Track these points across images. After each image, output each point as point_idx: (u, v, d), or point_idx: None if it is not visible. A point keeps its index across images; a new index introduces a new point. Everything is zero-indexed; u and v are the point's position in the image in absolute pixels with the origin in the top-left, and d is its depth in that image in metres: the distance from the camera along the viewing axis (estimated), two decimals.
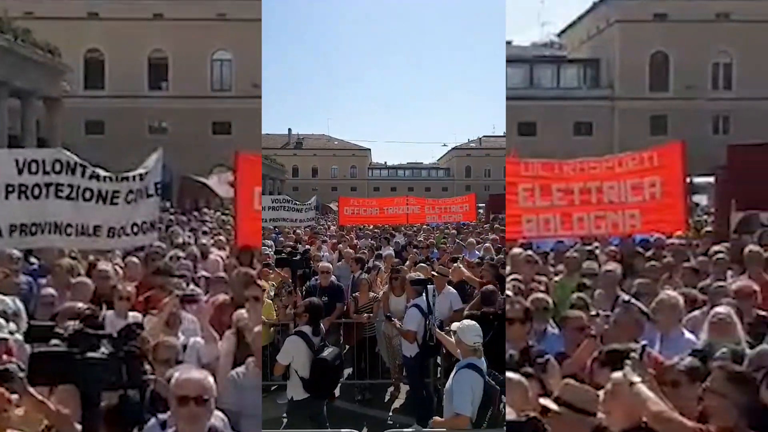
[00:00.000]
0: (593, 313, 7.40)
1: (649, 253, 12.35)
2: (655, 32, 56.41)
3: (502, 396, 7.01)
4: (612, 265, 10.43)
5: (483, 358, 7.17)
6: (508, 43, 64.83)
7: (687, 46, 55.60)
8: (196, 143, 52.35)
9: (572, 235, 12.17)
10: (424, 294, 10.20)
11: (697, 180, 26.31)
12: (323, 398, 8.82)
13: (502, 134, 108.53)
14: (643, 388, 4.49)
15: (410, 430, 9.83)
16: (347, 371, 12.56)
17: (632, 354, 4.83)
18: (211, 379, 4.70)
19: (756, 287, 8.47)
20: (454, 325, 7.59)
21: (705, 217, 22.93)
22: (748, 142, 17.49)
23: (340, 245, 20.36)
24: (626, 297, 7.71)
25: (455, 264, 12.97)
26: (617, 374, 4.68)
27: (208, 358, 7.28)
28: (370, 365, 12.42)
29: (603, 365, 5.50)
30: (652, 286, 8.94)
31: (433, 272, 12.02)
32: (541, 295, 8.50)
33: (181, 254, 12.97)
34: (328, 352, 8.44)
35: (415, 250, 18.38)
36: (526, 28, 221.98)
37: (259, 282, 9.52)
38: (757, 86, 54.98)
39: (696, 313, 8.12)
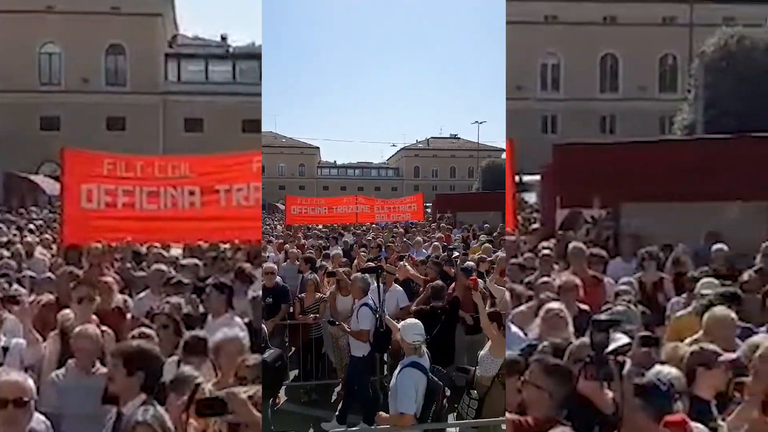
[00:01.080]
0: None
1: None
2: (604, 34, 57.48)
3: (446, 392, 7.10)
4: None
5: (426, 356, 7.26)
6: None
7: (518, 48, 56.17)
8: (23, 139, 51.76)
9: None
10: (369, 291, 10.33)
11: (527, 178, 26.93)
12: (265, 400, 8.76)
13: (448, 136, 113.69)
14: None
15: (356, 428, 9.85)
16: (293, 373, 12.59)
17: None
18: (30, 381, 4.62)
19: (578, 282, 8.84)
20: (399, 324, 7.67)
21: (534, 214, 23.55)
22: (573, 141, 17.80)
23: (287, 245, 20.30)
24: None
25: (401, 262, 13.08)
26: None
27: (31, 360, 7.06)
28: (316, 366, 12.41)
29: None
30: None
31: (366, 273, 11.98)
32: None
33: (6, 253, 12.80)
34: (268, 353, 8.37)
35: (363, 249, 18.38)
36: None
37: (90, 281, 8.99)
38: (582, 87, 57.00)
39: (522, 307, 8.49)
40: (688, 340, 6.40)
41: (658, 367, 5.17)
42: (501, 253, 14.98)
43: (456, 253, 16.65)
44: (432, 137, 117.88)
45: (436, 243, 18.63)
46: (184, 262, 11.88)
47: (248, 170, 12.17)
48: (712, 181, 12.23)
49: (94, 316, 7.80)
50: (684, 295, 9.08)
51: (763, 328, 7.41)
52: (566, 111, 58.56)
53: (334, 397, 12.28)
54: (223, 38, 65.37)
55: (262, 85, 71.97)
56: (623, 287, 9.01)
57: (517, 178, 22.21)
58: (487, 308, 10.92)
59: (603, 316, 5.17)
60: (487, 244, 17.70)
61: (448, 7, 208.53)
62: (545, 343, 6.16)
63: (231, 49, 63.43)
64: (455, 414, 8.68)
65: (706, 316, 6.86)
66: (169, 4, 61.67)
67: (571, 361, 5.45)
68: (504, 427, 8.16)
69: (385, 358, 11.23)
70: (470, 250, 19.22)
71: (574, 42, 58.30)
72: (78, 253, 11.83)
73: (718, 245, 10.84)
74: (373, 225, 29.26)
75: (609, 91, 62.06)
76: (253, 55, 60.99)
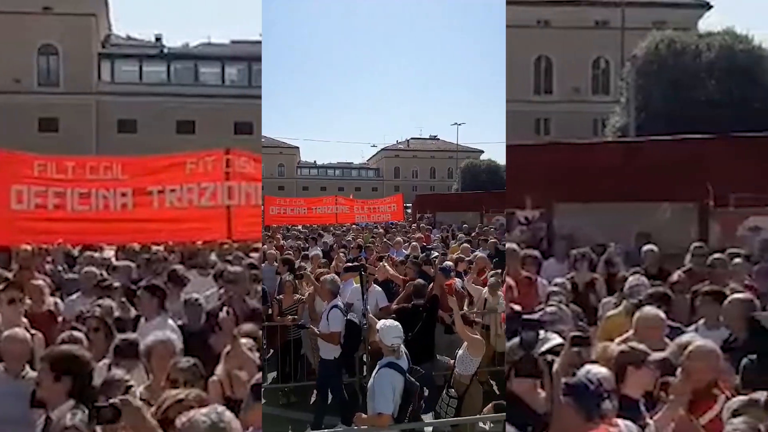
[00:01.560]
0: None
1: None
2: None
3: (424, 392, 7.16)
4: None
5: (404, 356, 7.29)
6: None
7: None
8: None
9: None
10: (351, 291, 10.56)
11: None
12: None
13: (428, 137, 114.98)
14: None
15: (334, 430, 9.85)
16: (271, 375, 12.62)
17: None
18: None
19: (512, 283, 9.17)
20: (378, 324, 7.69)
21: None
22: (508, 143, 18.12)
23: (265, 246, 20.18)
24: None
25: (381, 263, 13.32)
26: None
27: None
28: (295, 368, 12.38)
29: None
30: None
31: (349, 271, 12.13)
32: None
33: None
34: None
35: (342, 250, 18.34)
36: None
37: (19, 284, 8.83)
38: (517, 89, 57.93)
39: None
40: (617, 340, 6.49)
41: (587, 367, 5.23)
42: (479, 253, 15.39)
43: (435, 253, 16.74)
44: (412, 138, 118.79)
45: (414, 243, 18.71)
46: (116, 264, 11.74)
47: (182, 172, 12.06)
48: (642, 183, 12.43)
49: (24, 319, 7.68)
50: (615, 295, 9.22)
51: (691, 328, 7.55)
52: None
53: (313, 399, 12.19)
54: (158, 39, 64.79)
55: (262, 87, 71.64)
56: (555, 288, 9.11)
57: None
58: (465, 307, 11.07)
59: (534, 317, 5.22)
60: (465, 244, 18.01)
61: (428, 9, 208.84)
62: None
63: (165, 50, 62.81)
64: (433, 413, 8.76)
65: (635, 316, 6.97)
66: (102, 4, 60.81)
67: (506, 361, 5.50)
68: (483, 424, 8.27)
69: (364, 358, 11.23)
70: (449, 249, 19.38)
71: (509, 45, 58.80)
72: (7, 256, 11.63)
73: (649, 246, 10.99)
74: (353, 226, 29.18)
75: (543, 94, 62.77)
76: (187, 55, 60.52)
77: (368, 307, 10.34)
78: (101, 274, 10.17)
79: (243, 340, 6.52)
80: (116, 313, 8.28)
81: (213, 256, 12.97)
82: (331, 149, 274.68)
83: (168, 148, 16.74)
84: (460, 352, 8.79)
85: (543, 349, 5.01)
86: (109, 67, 59.87)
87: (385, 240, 20.91)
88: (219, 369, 6.31)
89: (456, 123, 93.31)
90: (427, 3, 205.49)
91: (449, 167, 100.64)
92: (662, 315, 6.94)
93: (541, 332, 5.53)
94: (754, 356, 5.19)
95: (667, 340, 6.58)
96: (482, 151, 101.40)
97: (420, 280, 11.27)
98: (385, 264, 13.24)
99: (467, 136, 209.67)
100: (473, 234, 23.12)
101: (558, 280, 9.78)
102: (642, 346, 5.72)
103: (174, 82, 59.76)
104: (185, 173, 12.13)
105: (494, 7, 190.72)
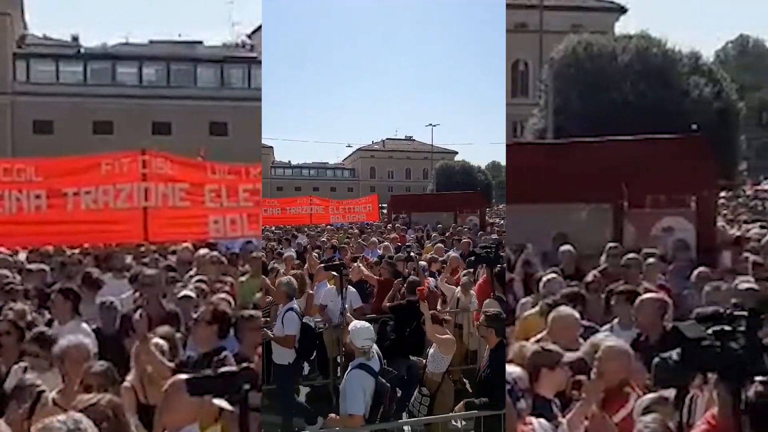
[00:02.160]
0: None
1: None
2: None
3: (396, 393, 7.19)
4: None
5: (376, 357, 7.28)
6: (199, 42, 64.66)
7: None
8: None
9: (257, 236, 12.44)
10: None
11: None
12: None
13: (404, 137, 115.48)
14: None
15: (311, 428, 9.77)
16: None
17: None
18: None
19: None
20: (350, 326, 7.73)
21: None
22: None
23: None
24: None
25: (355, 263, 13.29)
26: None
27: None
28: (267, 370, 12.24)
29: None
30: None
31: (329, 271, 12.05)
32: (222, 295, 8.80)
33: None
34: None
35: (316, 251, 18.13)
36: (217, 28, 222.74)
37: None
38: None
39: None
40: (532, 340, 6.56)
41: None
42: (452, 253, 15.65)
43: (412, 253, 16.65)
44: (387, 138, 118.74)
45: (386, 244, 18.82)
46: (29, 267, 11.54)
47: (97, 173, 11.85)
48: (560, 184, 12.58)
49: None
50: (532, 296, 9.33)
51: (606, 327, 7.67)
52: None
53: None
54: (74, 38, 63.63)
55: (262, 89, 71.13)
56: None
57: None
58: (438, 306, 11.08)
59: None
60: (439, 244, 18.13)
61: (404, 10, 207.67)
62: None
63: (82, 50, 61.70)
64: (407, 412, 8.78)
65: (550, 316, 7.05)
66: (17, 3, 59.60)
67: None
68: (455, 422, 8.29)
69: (338, 360, 11.16)
70: (424, 250, 19.52)
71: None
72: None
73: (566, 246, 11.14)
74: (328, 226, 28.84)
75: None
76: (104, 55, 59.60)
77: (338, 309, 10.39)
78: (14, 277, 9.99)
79: (159, 341, 6.46)
80: (29, 317, 8.11)
81: (129, 259, 12.79)
82: (306, 149, 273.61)
83: (85, 149, 16.44)
84: (432, 350, 8.84)
85: None
86: (24, 67, 58.56)
87: (359, 241, 20.84)
88: (131, 374, 6.22)
89: (431, 124, 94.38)
90: (403, 4, 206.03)
91: (424, 168, 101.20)
92: (576, 315, 7.05)
93: None
94: (665, 355, 5.28)
95: (581, 339, 6.67)
96: (456, 152, 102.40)
97: (415, 277, 11.40)
98: (359, 264, 13.18)
99: (442, 138, 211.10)
100: (447, 234, 23.48)
101: None
102: (555, 347, 5.79)
103: (91, 82, 58.71)
104: (101, 174, 11.91)
105: (470, 9, 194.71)
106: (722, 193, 33.84)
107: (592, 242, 11.70)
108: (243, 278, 11.39)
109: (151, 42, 63.22)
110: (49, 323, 8.36)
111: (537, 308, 8.34)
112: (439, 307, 11.42)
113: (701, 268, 9.54)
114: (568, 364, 5.60)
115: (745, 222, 22.99)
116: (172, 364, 6.27)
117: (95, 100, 56.00)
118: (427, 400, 8.37)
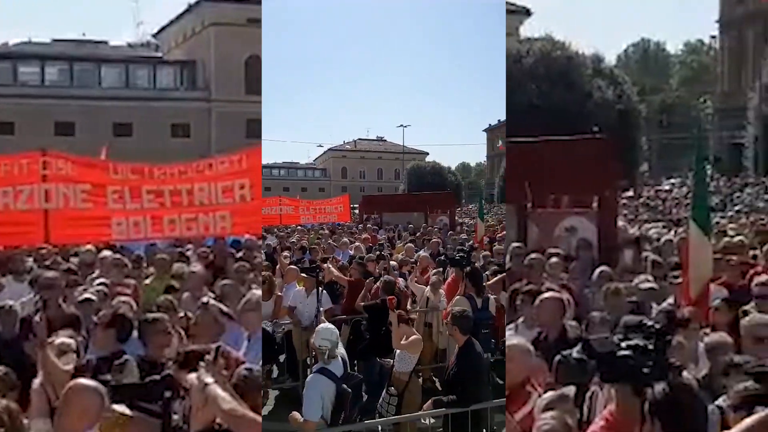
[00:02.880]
0: (180, 315, 7.80)
1: (239, 254, 12.53)
2: (249, 36, 56.46)
3: (361, 397, 7.31)
4: (197, 267, 10.88)
5: (339, 360, 7.22)
6: (104, 42, 64.15)
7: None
8: None
9: (163, 238, 12.29)
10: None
11: None
12: None
13: (375, 138, 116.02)
14: (216, 389, 4.55)
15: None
16: None
17: (206, 356, 4.91)
18: None
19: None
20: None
21: None
22: None
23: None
24: (206, 299, 8.01)
25: (325, 264, 13.27)
26: (191, 376, 4.75)
27: None
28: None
29: (181, 367, 5.44)
30: (236, 287, 9.20)
31: (302, 273, 12.09)
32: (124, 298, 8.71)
33: None
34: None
35: (286, 252, 17.82)
36: (122, 27, 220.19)
37: None
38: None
39: None
40: None
41: None
42: (423, 253, 15.77)
43: (383, 253, 16.60)
44: (359, 138, 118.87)
45: (357, 244, 18.60)
46: None
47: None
48: None
49: None
50: None
51: (511, 326, 7.81)
52: None
53: None
54: None
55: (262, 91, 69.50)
56: None
57: None
58: (408, 305, 11.04)
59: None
60: (409, 245, 18.29)
61: (375, 10, 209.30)
62: None
63: None
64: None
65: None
66: None
67: None
68: (424, 420, 8.26)
69: (309, 361, 11.08)
70: (395, 250, 19.57)
71: (218, 44, 58.33)
72: None
73: None
74: (298, 227, 28.52)
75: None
76: (6, 55, 58.17)
77: (306, 310, 10.55)
78: None
79: (66, 341, 6.37)
80: None
81: (30, 262, 12.50)
82: (276, 149, 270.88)
83: None
84: (399, 350, 8.80)
85: None
86: None
87: (330, 242, 20.57)
88: (39, 376, 6.11)
89: (402, 125, 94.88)
90: (376, 5, 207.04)
91: (396, 168, 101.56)
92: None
93: None
94: (566, 353, 5.39)
95: None
96: (427, 153, 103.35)
97: (389, 276, 11.41)
98: (329, 265, 13.17)
99: (413, 138, 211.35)
100: (418, 234, 23.58)
101: None
102: None
103: None
104: (1, 176, 11.65)
105: (445, 8, 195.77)
106: (625, 194, 34.66)
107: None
108: (147, 281, 11.20)
109: (55, 41, 61.93)
110: None
111: None
112: (409, 306, 11.48)
113: (602, 268, 9.72)
114: None
115: (646, 222, 23.60)
116: (69, 368, 6.16)
117: None
118: (395, 399, 8.37)
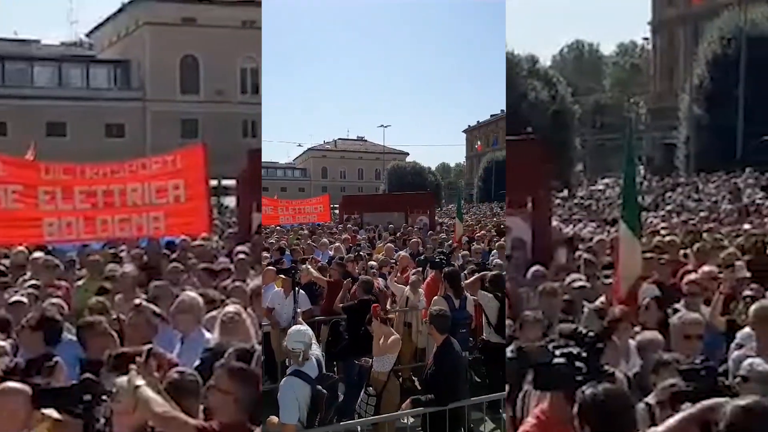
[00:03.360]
0: (114, 316, 7.62)
1: (173, 255, 12.22)
2: (184, 36, 56.82)
3: (337, 398, 7.54)
4: (129, 268, 10.65)
5: (313, 362, 7.16)
6: (36, 41, 62.89)
7: (215, 51, 56.73)
8: None
9: (96, 239, 12.19)
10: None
11: (226, 182, 27.38)
12: None
13: (355, 138, 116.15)
14: (147, 391, 4.49)
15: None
16: None
17: (137, 358, 4.86)
18: None
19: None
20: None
21: (234, 218, 23.77)
22: None
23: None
24: (138, 300, 7.81)
25: (303, 265, 13.09)
26: (121, 378, 4.65)
27: None
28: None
29: (111, 369, 5.30)
30: (170, 289, 9.00)
31: (281, 275, 11.90)
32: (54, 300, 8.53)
33: None
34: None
35: (264, 253, 17.48)
36: (55, 26, 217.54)
37: None
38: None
39: (214, 312, 8.36)
40: None
41: None
42: (403, 253, 15.74)
43: (362, 252, 16.56)
44: (339, 138, 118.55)
45: (337, 245, 18.43)
46: None
47: None
48: None
49: None
50: None
51: None
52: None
53: None
54: None
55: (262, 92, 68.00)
56: None
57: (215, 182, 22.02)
58: (388, 305, 11.00)
59: None
60: (389, 245, 18.22)
61: (356, 11, 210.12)
62: (230, 348, 6.09)
63: None
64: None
65: None
66: None
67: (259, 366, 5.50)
68: (403, 420, 8.23)
69: (287, 363, 10.99)
70: (375, 250, 19.45)
71: (153, 43, 57.75)
72: None
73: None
74: (277, 227, 28.14)
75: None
76: None
77: (284, 311, 10.45)
78: None
79: None
80: None
81: None
82: None
83: None
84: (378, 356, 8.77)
85: None
86: None
87: (310, 242, 20.39)
88: None
89: (382, 125, 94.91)
90: (356, 4, 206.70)
91: (376, 168, 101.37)
92: None
93: None
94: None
95: None
96: (408, 153, 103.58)
97: (368, 277, 11.35)
98: (308, 266, 13.00)
99: (393, 138, 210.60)
100: (398, 234, 23.65)
101: None
102: None
103: None
104: None
105: (427, 9, 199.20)
106: (560, 194, 35.09)
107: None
108: (79, 282, 11.05)
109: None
110: None
111: None
112: (388, 306, 11.46)
113: (536, 267, 9.81)
114: None
115: (579, 221, 23.89)
116: None
117: None
118: (373, 399, 8.31)
